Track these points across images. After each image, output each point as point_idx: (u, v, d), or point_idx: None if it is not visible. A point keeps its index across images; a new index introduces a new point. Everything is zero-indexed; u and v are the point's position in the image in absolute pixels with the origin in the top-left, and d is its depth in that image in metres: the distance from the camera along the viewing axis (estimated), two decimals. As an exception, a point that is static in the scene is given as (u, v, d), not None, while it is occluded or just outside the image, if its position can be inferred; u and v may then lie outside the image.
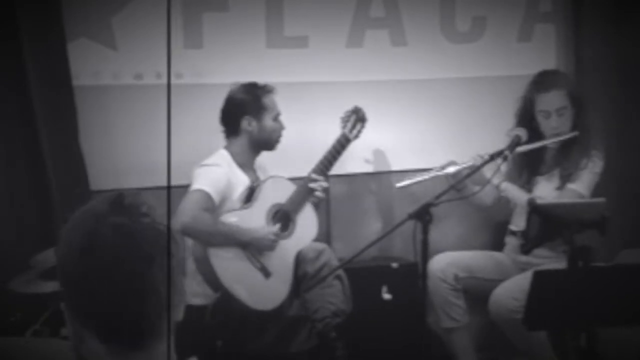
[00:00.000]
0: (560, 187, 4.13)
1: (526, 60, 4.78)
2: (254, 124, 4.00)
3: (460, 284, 4.13)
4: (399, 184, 4.03)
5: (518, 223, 4.21)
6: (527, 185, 4.21)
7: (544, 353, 4.00)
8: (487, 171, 3.99)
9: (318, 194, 4.05)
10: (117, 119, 4.19)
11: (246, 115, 3.99)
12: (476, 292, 4.16)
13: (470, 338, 4.18)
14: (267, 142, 4.05)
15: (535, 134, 4.09)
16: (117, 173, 4.16)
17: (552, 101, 4.10)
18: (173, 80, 4.25)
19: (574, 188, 4.09)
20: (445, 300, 4.13)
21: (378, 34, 4.63)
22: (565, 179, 4.12)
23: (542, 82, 4.17)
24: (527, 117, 4.17)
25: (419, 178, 3.99)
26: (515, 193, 4.15)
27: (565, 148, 4.15)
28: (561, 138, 4.10)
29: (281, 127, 4.06)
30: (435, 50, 4.74)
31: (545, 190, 4.15)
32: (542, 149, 4.17)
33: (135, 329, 1.53)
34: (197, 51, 4.27)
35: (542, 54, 4.90)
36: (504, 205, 4.34)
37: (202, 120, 4.25)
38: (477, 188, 4.01)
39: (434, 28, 4.74)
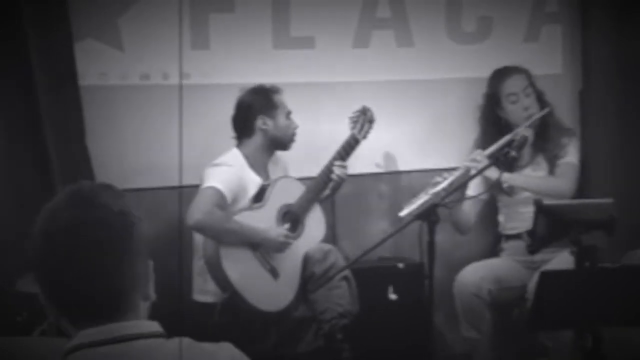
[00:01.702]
0: (552, 169, 4.23)
1: (532, 61, 4.76)
2: (269, 122, 4.03)
3: (492, 297, 4.10)
4: (401, 213, 3.96)
5: (510, 226, 4.24)
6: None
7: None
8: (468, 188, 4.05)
9: (335, 177, 4.08)
10: (123, 120, 4.20)
11: (260, 115, 4.02)
12: (502, 301, 4.14)
13: (489, 348, 4.17)
14: (282, 140, 4.08)
15: (503, 129, 4.19)
16: (123, 173, 4.16)
17: (517, 84, 4.29)
18: (179, 81, 4.25)
19: (568, 160, 4.25)
20: (477, 315, 4.10)
21: (384, 34, 4.63)
22: (554, 159, 4.24)
23: (502, 72, 4.36)
24: (493, 116, 4.30)
25: (420, 201, 3.94)
26: (518, 178, 4.18)
27: (542, 133, 4.26)
28: (537, 116, 4.20)
29: (294, 125, 4.10)
30: (442, 50, 4.74)
31: (534, 177, 4.25)
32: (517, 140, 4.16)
33: (102, 307, 1.65)
34: (204, 52, 4.27)
35: (549, 54, 4.90)
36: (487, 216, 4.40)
37: (210, 121, 4.27)
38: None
39: (440, 29, 4.74)
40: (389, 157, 4.69)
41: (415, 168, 4.64)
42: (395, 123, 4.62)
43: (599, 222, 3.32)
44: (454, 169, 4.09)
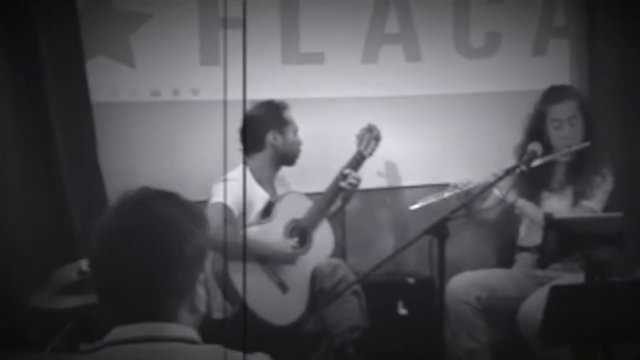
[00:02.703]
0: (575, 204, 4.12)
1: (541, 75, 4.79)
2: (279, 137, 4.06)
3: (482, 305, 4.11)
4: (412, 207, 4.01)
5: (529, 239, 4.22)
6: (537, 201, 4.19)
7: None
8: (498, 187, 4.01)
9: (346, 185, 4.09)
10: (135, 136, 4.22)
11: (271, 130, 4.05)
12: (496, 311, 4.14)
13: (491, 357, 4.16)
14: (289, 156, 4.10)
15: (545, 148, 4.08)
16: (128, 188, 4.16)
17: (564, 110, 4.12)
18: (189, 97, 4.29)
19: (590, 205, 4.09)
20: (467, 321, 4.10)
21: (393, 49, 4.65)
22: (579, 195, 4.11)
23: (554, 93, 4.21)
24: (537, 131, 4.18)
25: (432, 199, 3.97)
26: (531, 210, 4.14)
27: (576, 163, 4.15)
28: (575, 148, 4.08)
29: (300, 142, 4.13)
30: (450, 65, 4.76)
31: (558, 207, 4.13)
32: (553, 164, 4.16)
33: (143, 308, 1.68)
34: (214, 68, 4.29)
35: (557, 68, 4.91)
36: (507, 222, 4.35)
37: (219, 136, 4.27)
38: (486, 204, 4.01)
39: (448, 43, 4.76)
40: (397, 172, 4.69)
41: (425, 183, 4.64)
42: (404, 138, 4.64)
43: (609, 236, 3.31)
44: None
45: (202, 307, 1.73)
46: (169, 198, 1.75)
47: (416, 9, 4.66)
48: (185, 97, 4.28)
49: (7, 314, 3.75)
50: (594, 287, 3.31)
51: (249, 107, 4.08)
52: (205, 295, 1.74)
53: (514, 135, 4.47)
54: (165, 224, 1.69)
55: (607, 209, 4.10)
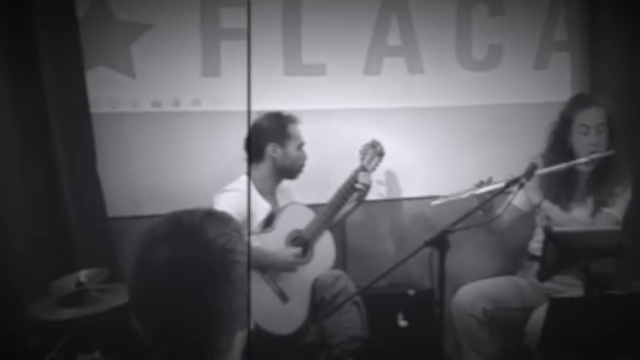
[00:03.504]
0: (595, 213, 4.10)
1: (542, 88, 4.80)
2: (279, 150, 4.07)
3: (487, 317, 4.11)
4: (434, 202, 3.99)
5: (540, 247, 4.20)
6: (561, 206, 4.17)
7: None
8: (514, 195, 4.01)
9: (360, 186, 4.13)
10: (135, 146, 4.22)
11: (271, 142, 4.06)
12: (500, 322, 4.15)
13: None
14: (290, 169, 4.11)
15: (566, 155, 4.07)
16: (134, 200, 4.18)
17: (593, 117, 4.08)
18: (190, 108, 4.29)
19: (610, 212, 4.08)
20: (472, 335, 4.11)
21: (395, 61, 4.65)
22: (600, 204, 4.09)
23: (583, 100, 4.19)
24: (561, 138, 4.15)
25: (453, 196, 3.97)
26: (557, 214, 4.11)
27: (599, 173, 4.12)
28: (598, 156, 4.04)
29: (304, 157, 4.13)
30: (452, 77, 4.77)
31: (580, 216, 4.12)
32: (576, 173, 4.14)
33: (195, 350, 1.56)
34: (215, 79, 4.30)
35: (558, 81, 4.92)
36: (518, 229, 4.34)
37: (220, 147, 4.29)
38: (499, 211, 3.99)
39: (451, 56, 4.77)
40: (399, 183, 4.69)
41: (426, 195, 4.64)
42: (405, 149, 4.64)
43: (608, 249, 3.31)
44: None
45: (249, 322, 1.66)
46: (214, 219, 1.60)
47: (418, 21, 4.67)
48: (186, 107, 4.28)
49: (7, 324, 3.75)
50: (593, 299, 3.30)
51: (256, 117, 4.10)
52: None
53: (516, 146, 4.48)
54: (216, 254, 1.55)
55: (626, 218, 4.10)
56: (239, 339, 1.62)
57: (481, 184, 3.99)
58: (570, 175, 4.10)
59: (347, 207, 4.21)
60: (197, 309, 1.54)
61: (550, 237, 3.43)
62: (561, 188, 4.14)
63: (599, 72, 4.91)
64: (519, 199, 4.14)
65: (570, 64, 4.99)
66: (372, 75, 4.62)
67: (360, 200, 4.24)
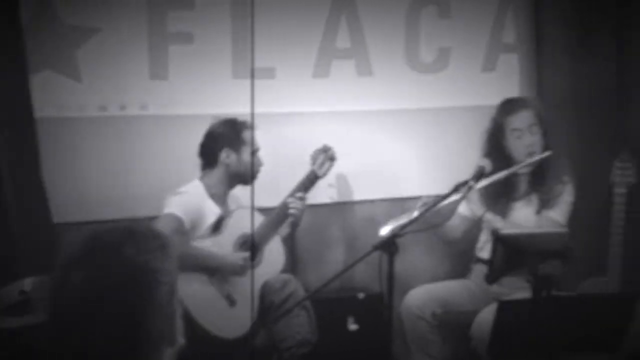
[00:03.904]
0: (539, 212, 4.16)
1: (490, 90, 4.83)
2: (233, 156, 4.06)
3: (437, 320, 4.14)
4: (383, 230, 3.97)
5: (487, 250, 4.24)
6: (505, 211, 4.22)
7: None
8: (464, 204, 4.05)
9: (293, 211, 4.11)
10: (82, 151, 4.17)
11: (225, 148, 4.06)
12: (451, 326, 4.18)
13: None
14: (244, 175, 4.09)
15: (504, 160, 4.12)
16: (83, 205, 4.13)
17: (524, 119, 4.16)
18: (137, 112, 4.25)
19: (552, 216, 4.14)
20: (422, 338, 4.13)
21: (344, 64, 4.65)
22: (544, 203, 4.16)
23: (511, 104, 4.24)
24: (496, 144, 4.21)
25: (401, 221, 3.96)
26: (499, 223, 4.15)
27: (539, 172, 4.18)
28: (537, 158, 4.11)
29: (260, 163, 4.12)
30: (401, 80, 4.78)
31: (524, 215, 4.19)
32: (515, 175, 4.18)
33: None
34: (163, 83, 4.27)
35: (506, 83, 4.95)
36: (472, 237, 4.37)
37: (169, 151, 4.26)
38: (452, 222, 4.03)
39: (400, 58, 4.78)
40: (349, 186, 4.70)
41: (376, 197, 4.66)
42: (354, 152, 4.64)
43: (555, 251, 3.33)
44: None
45: (180, 339, 1.62)
46: (134, 236, 1.53)
47: (367, 23, 4.68)
48: (133, 112, 4.24)
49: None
50: (541, 301, 3.33)
51: (212, 122, 4.09)
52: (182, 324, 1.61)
53: (465, 149, 4.50)
54: (137, 273, 1.49)
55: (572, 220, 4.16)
56: (168, 356, 1.57)
57: (425, 204, 3.99)
58: (509, 178, 4.14)
59: (283, 231, 4.20)
60: (117, 330, 1.49)
61: (499, 239, 3.45)
62: (501, 192, 4.18)
63: (545, 73, 4.97)
64: (465, 208, 4.18)
65: (518, 65, 5.03)
66: (321, 77, 4.61)
67: (295, 226, 4.22)
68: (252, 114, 3.55)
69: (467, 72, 4.91)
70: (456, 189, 3.92)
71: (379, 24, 4.71)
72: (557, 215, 4.14)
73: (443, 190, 3.93)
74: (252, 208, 3.75)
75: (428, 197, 4.00)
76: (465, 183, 3.94)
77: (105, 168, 4.20)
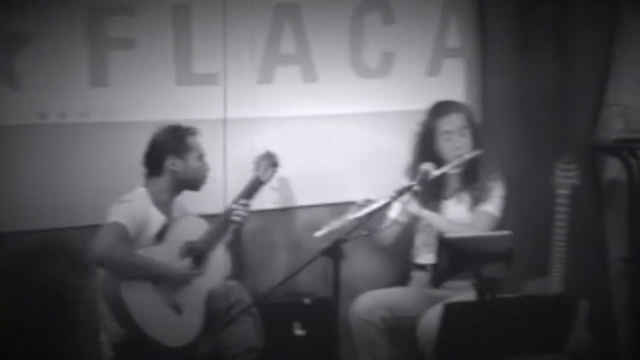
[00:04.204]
0: (472, 209, 4.27)
1: (435, 94, 4.83)
2: (179, 163, 4.04)
3: (385, 324, 4.19)
4: (317, 233, 4.00)
5: (423, 256, 4.30)
6: (436, 211, 4.31)
7: None
8: (392, 209, 4.08)
9: (237, 218, 4.10)
10: (21, 159, 4.10)
11: (170, 155, 4.02)
12: (397, 330, 4.22)
13: None
14: (193, 181, 4.08)
15: (435, 163, 4.17)
16: (23, 214, 4.05)
17: (453, 122, 4.28)
18: (78, 119, 4.20)
19: (486, 210, 4.26)
20: (370, 342, 4.18)
21: (289, 70, 4.65)
22: (476, 200, 4.27)
23: (441, 108, 4.36)
24: (427, 147, 4.31)
25: (336, 224, 3.98)
26: (434, 218, 4.26)
27: (470, 171, 4.29)
28: (467, 157, 4.22)
29: (206, 168, 4.10)
30: (346, 85, 4.79)
31: (457, 213, 4.30)
32: (445, 175, 4.26)
33: None
34: (104, 89, 4.22)
35: (451, 87, 4.98)
36: (405, 242, 4.43)
37: (111, 158, 4.22)
38: (383, 226, 4.07)
39: (344, 63, 4.79)
40: (293, 191, 4.69)
41: (320, 202, 4.65)
42: (300, 158, 4.63)
43: (499, 254, 3.36)
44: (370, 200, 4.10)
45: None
46: (56, 255, 1.49)
47: (311, 29, 4.68)
48: (73, 119, 4.19)
49: None
50: (485, 303, 3.35)
51: (155, 130, 4.05)
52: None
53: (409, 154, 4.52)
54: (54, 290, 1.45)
55: (502, 223, 4.24)
56: None
57: (359, 207, 4.01)
58: (440, 178, 4.19)
59: (227, 237, 4.18)
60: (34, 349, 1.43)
61: (443, 243, 3.48)
62: (431, 191, 4.24)
63: (490, 78, 5.02)
64: (397, 212, 4.25)
65: (463, 70, 5.07)
66: (265, 84, 4.60)
67: (238, 234, 4.22)
68: (225, 119, 3.55)
69: (412, 77, 4.93)
70: (401, 194, 3.95)
71: (323, 30, 4.72)
72: (491, 209, 4.27)
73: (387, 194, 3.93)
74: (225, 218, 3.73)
75: (361, 200, 4.01)
76: (409, 187, 3.97)
77: (45, 176, 4.13)
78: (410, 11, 4.91)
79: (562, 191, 4.31)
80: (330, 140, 4.77)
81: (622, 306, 5.17)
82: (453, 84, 5.03)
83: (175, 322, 3.90)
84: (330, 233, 3.92)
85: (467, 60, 5.06)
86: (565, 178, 4.32)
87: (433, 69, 4.99)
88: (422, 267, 4.33)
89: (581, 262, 4.65)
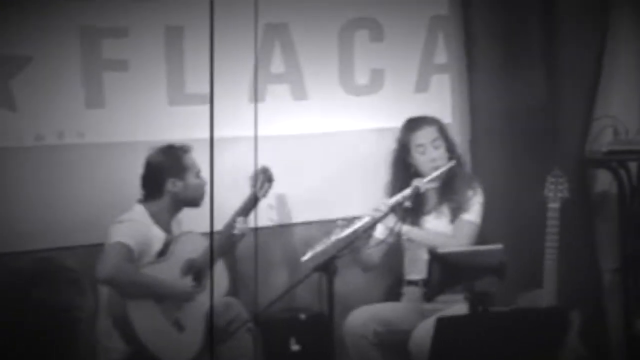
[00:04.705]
0: (453, 220, 4.31)
1: (424, 110, 4.88)
2: (179, 184, 4.07)
3: (378, 338, 4.21)
4: (304, 258, 4.08)
5: (414, 272, 4.34)
6: (416, 226, 4.34)
7: None
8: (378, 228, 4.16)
9: (237, 232, 4.14)
10: (21, 181, 4.13)
11: (170, 178, 4.05)
12: (391, 342, 4.25)
13: None
14: (193, 199, 4.10)
15: (412, 177, 4.25)
16: (23, 235, 4.08)
17: (426, 135, 4.34)
18: (74, 140, 4.23)
19: (467, 218, 4.31)
20: (364, 356, 4.20)
21: (279, 88, 4.69)
22: (457, 211, 4.31)
23: (413, 123, 4.42)
24: (403, 163, 4.37)
25: (320, 247, 4.04)
26: (417, 234, 4.29)
27: (447, 184, 4.34)
28: (443, 169, 4.26)
29: (204, 183, 4.12)
30: (336, 103, 4.83)
31: (437, 227, 4.33)
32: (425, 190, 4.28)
33: None
34: (99, 110, 4.26)
35: (439, 103, 5.02)
36: (392, 260, 4.47)
37: (108, 179, 4.25)
38: (369, 245, 4.12)
39: (334, 81, 4.83)
40: (288, 209, 4.73)
41: (315, 219, 4.69)
42: (292, 176, 4.67)
43: (490, 267, 3.41)
44: (357, 217, 4.16)
45: None
46: (46, 275, 1.46)
47: (301, 47, 4.73)
48: (70, 140, 4.22)
49: None
50: (478, 317, 3.40)
51: (150, 151, 4.08)
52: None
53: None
54: (51, 315, 1.45)
55: (491, 236, 4.27)
56: None
57: (341, 227, 4.07)
58: (418, 194, 4.23)
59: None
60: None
61: (435, 258, 3.52)
62: (411, 208, 4.25)
63: (477, 93, 5.06)
64: (380, 231, 4.27)
65: (450, 85, 5.12)
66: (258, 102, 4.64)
67: (235, 245, 4.26)
68: (211, 137, 3.57)
69: (401, 94, 4.97)
70: (392, 210, 4.00)
71: (312, 48, 4.76)
72: (472, 217, 4.31)
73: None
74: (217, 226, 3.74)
75: (343, 220, 4.07)
76: (400, 204, 4.02)
77: (43, 197, 4.16)
78: (397, 28, 4.96)
79: (553, 204, 4.36)
80: (321, 158, 4.81)
81: (614, 317, 5.19)
82: (441, 99, 5.07)
83: (177, 340, 3.95)
84: (314, 257, 3.98)
85: (454, 76, 5.11)
86: (555, 191, 4.38)
87: (421, 85, 5.03)
88: (414, 283, 4.37)
89: (573, 274, 4.67)
